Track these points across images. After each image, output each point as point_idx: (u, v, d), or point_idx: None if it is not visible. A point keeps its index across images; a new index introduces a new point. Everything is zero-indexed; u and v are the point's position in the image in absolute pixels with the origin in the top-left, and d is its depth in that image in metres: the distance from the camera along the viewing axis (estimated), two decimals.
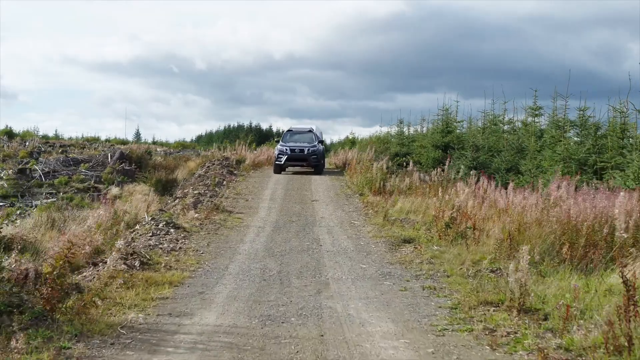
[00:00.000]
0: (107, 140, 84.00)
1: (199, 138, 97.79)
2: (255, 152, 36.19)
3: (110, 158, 24.88)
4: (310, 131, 24.07)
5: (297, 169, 23.48)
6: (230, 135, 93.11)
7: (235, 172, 22.24)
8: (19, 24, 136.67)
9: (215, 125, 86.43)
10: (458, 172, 17.25)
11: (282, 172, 22.71)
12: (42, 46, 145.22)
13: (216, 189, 17.07)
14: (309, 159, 22.49)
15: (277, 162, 22.54)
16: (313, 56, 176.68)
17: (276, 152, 22.88)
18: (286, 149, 22.43)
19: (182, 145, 71.17)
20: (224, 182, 18.49)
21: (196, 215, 13.24)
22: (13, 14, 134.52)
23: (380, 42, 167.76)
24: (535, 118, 20.94)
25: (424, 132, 28.62)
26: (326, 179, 20.97)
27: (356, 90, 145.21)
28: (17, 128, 54.30)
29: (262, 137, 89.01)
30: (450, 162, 19.49)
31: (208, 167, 23.42)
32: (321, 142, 23.94)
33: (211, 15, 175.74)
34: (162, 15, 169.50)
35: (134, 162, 24.59)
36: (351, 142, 48.77)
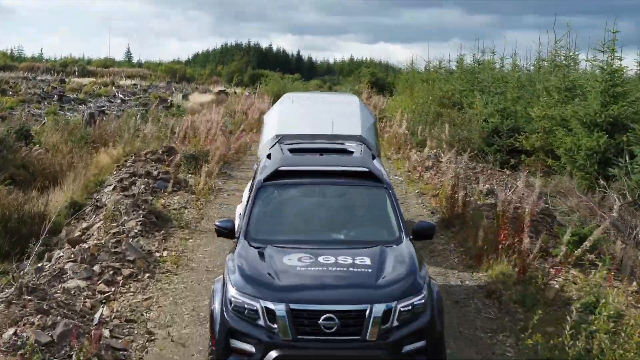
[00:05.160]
0: (88, 62, 70.48)
1: (196, 57, 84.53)
2: (245, 103, 24.17)
3: None
4: (350, 152, 6.54)
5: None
6: (227, 55, 78.88)
7: (172, 197, 10.10)
8: None
9: (214, 43, 74.35)
10: None
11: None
12: None
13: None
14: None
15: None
16: None
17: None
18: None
19: (171, 70, 58.31)
20: (106, 294, 6.37)
21: None
22: None
23: None
24: None
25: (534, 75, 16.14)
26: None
27: (359, 4, 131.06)
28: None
29: (261, 57, 74.39)
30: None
31: (122, 179, 11.33)
32: (387, 188, 5.76)
33: None
34: None
35: None
36: (371, 75, 35.28)
